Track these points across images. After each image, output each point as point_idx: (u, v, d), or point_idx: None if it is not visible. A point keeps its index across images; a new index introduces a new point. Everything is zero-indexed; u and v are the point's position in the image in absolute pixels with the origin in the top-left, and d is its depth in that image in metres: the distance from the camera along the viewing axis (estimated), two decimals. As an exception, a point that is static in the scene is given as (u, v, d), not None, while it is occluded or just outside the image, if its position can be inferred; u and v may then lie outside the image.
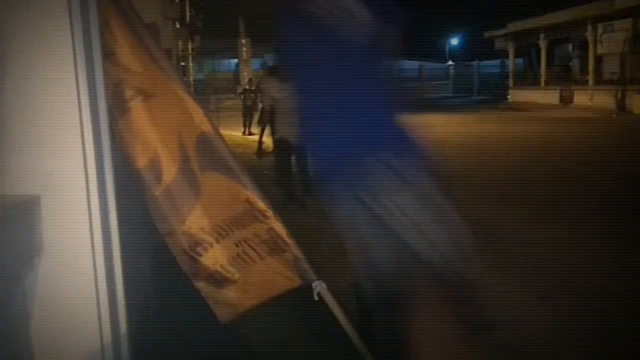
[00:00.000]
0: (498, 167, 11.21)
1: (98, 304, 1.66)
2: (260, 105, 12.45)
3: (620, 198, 7.89)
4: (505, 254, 4.97)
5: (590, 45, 26.64)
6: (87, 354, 1.66)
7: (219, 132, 2.47)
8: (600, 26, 25.69)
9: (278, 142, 6.62)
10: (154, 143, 2.35)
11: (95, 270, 1.65)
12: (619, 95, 23.02)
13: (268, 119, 6.92)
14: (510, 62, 35.51)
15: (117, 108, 2.23)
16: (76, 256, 1.63)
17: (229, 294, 2.46)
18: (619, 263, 5.32)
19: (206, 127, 2.41)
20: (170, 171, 2.36)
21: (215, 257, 2.41)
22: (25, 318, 1.57)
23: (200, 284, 2.41)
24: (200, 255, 2.39)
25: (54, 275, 1.60)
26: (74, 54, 1.60)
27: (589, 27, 26.15)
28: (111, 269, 1.73)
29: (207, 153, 2.40)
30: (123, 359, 1.79)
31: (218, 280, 2.43)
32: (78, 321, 1.64)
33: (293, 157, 6.55)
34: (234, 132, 16.08)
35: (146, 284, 4.16)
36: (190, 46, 24.11)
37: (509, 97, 33.19)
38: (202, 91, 25.09)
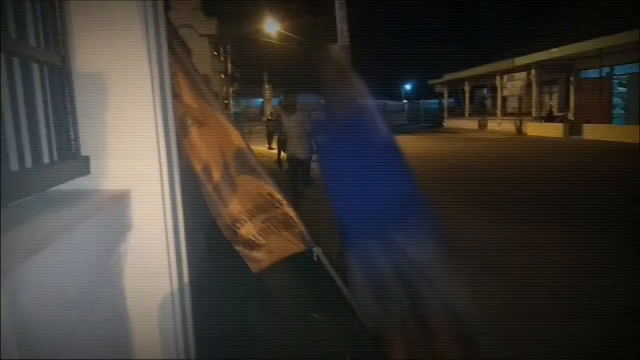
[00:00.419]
0: (439, 169, 11.26)
1: (169, 263, 1.65)
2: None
3: (523, 190, 7.94)
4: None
5: (499, 89, 26.73)
6: (160, 295, 1.65)
7: (250, 148, 2.47)
8: (505, 77, 25.80)
9: (289, 157, 6.49)
10: (205, 156, 2.37)
11: (167, 242, 1.64)
12: (518, 123, 23.13)
13: (283, 140, 6.77)
14: (445, 101, 35.58)
15: (182, 131, 2.23)
16: (154, 232, 1.62)
17: (258, 254, 2.48)
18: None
19: (241, 144, 2.42)
20: (216, 174, 2.38)
21: (248, 230, 2.43)
22: (119, 274, 1.56)
23: (238, 247, 2.44)
24: (238, 229, 2.42)
25: (139, 245, 1.60)
26: (153, 96, 1.59)
27: (498, 77, 26.23)
28: (178, 241, 1.72)
29: (242, 162, 2.41)
30: (185, 298, 1.77)
31: (251, 245, 2.45)
32: (155, 275, 1.63)
33: (299, 168, 6.47)
34: (261, 147, 16.05)
35: (201, 249, 4.15)
36: (230, 90, 24.08)
37: (444, 124, 33.27)
38: (239, 120, 25.07)
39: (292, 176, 6.44)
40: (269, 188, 2.42)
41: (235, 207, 2.42)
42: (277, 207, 2.44)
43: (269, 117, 18.96)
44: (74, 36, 1.52)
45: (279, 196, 2.42)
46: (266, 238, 2.48)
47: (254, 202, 2.44)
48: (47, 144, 1.37)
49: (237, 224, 2.43)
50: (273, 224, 2.46)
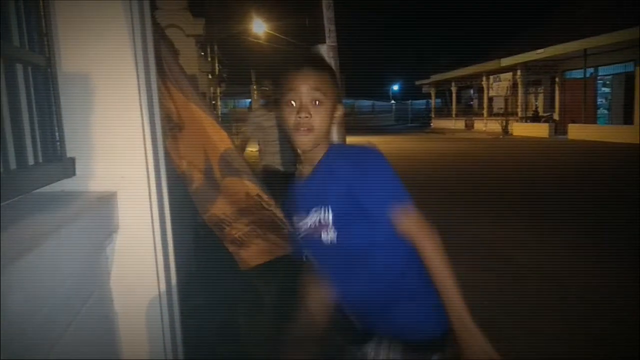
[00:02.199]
0: (428, 168, 11.33)
1: (156, 264, 1.64)
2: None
3: (508, 190, 8.02)
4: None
5: (485, 90, 26.99)
6: (147, 296, 1.64)
7: (238, 149, 2.47)
8: (491, 77, 26.08)
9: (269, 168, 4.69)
10: (187, 160, 2.36)
11: (154, 243, 1.63)
12: (504, 123, 23.38)
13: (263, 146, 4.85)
14: (432, 101, 35.83)
15: (165, 134, 2.22)
16: (141, 233, 1.61)
17: (246, 254, 2.48)
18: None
19: (228, 145, 2.41)
20: (197, 180, 2.38)
21: (235, 230, 2.43)
22: (106, 276, 1.55)
23: (227, 244, 2.45)
24: (225, 228, 2.42)
25: (126, 246, 1.59)
26: (139, 96, 1.59)
27: (484, 78, 26.49)
28: (165, 242, 1.72)
29: (229, 163, 2.40)
30: (173, 299, 1.77)
31: (239, 243, 2.45)
32: (142, 276, 1.63)
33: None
34: (249, 148, 16.01)
35: (189, 250, 4.13)
36: (218, 90, 23.96)
37: (431, 124, 33.49)
38: (227, 121, 24.96)
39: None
40: (257, 189, 2.42)
41: (218, 210, 2.41)
42: (265, 209, 2.43)
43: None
44: (59, 36, 1.50)
45: (267, 197, 2.42)
46: (251, 241, 2.47)
47: (239, 205, 2.43)
48: (31, 145, 1.36)
49: (223, 224, 2.43)
50: (259, 226, 2.46)
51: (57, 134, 1.48)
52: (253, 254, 2.49)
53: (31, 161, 1.35)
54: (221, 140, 2.40)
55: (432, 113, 35.00)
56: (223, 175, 2.40)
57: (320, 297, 1.58)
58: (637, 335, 2.89)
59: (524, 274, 4.13)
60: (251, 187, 2.41)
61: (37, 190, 1.41)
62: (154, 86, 1.74)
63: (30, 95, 1.37)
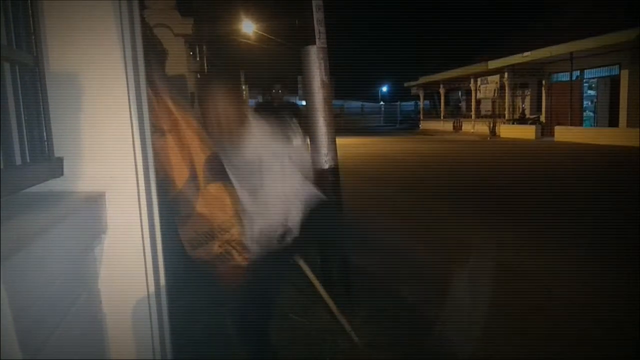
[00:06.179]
0: (416, 168, 11.41)
1: (145, 265, 1.63)
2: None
3: (494, 189, 8.09)
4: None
5: (473, 92, 27.20)
6: (136, 297, 1.63)
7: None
8: (479, 80, 26.27)
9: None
10: (167, 166, 2.22)
11: (143, 244, 1.62)
12: (491, 125, 23.58)
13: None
14: (421, 103, 35.98)
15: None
16: (130, 234, 1.60)
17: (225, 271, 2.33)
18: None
19: (212, 150, 2.30)
20: (176, 186, 2.22)
21: (211, 249, 2.22)
22: (95, 276, 1.54)
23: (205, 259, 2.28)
24: (199, 246, 2.25)
25: (114, 247, 1.58)
26: (128, 96, 1.58)
27: (472, 80, 26.67)
28: (154, 243, 1.71)
29: (215, 167, 2.27)
30: (162, 300, 1.76)
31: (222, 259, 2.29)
32: (131, 277, 1.62)
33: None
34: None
35: (178, 250, 4.10)
36: (207, 90, 23.75)
37: (420, 126, 33.65)
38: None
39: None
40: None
41: (198, 223, 2.25)
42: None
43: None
44: (47, 35, 1.49)
45: None
46: (222, 264, 2.32)
47: (224, 215, 2.28)
48: (19, 145, 1.35)
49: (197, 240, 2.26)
50: (232, 246, 2.28)
51: (45, 133, 1.47)
52: (230, 273, 2.35)
53: (19, 161, 1.34)
54: (205, 145, 2.29)
55: (421, 114, 35.14)
56: (207, 182, 2.27)
57: None
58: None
59: (508, 274, 4.17)
60: (234, 192, 2.32)
61: (25, 191, 1.39)
62: (143, 86, 1.73)
63: (18, 95, 1.36)
